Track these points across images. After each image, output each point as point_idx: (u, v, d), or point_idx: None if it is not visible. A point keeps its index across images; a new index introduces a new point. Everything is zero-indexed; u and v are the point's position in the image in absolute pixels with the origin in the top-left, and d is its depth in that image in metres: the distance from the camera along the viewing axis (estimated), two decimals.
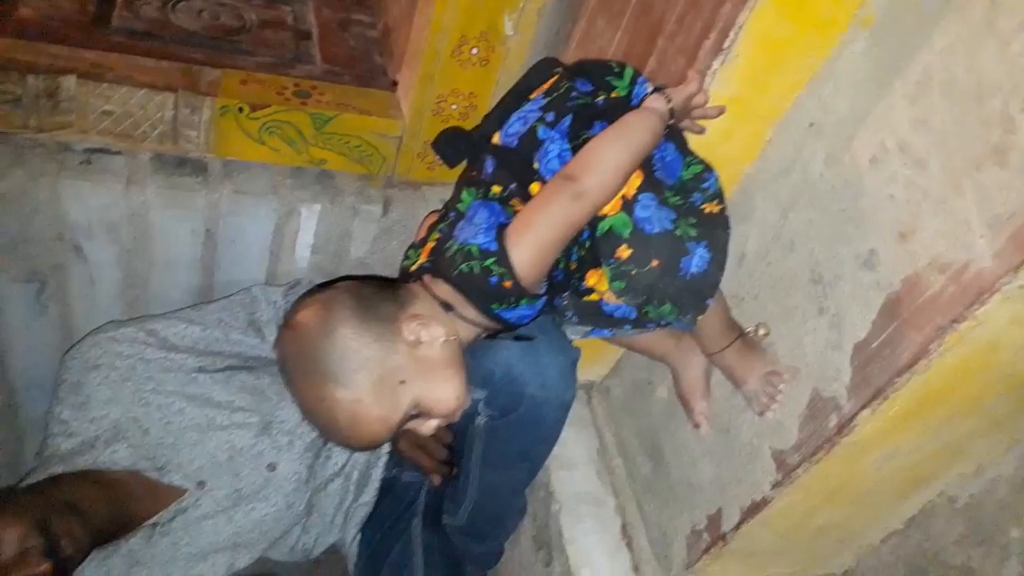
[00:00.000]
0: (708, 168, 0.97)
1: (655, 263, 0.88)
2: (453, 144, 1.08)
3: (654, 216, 0.90)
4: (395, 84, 1.34)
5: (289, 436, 1.22)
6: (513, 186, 0.93)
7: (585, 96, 0.96)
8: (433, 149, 1.11)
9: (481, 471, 1.22)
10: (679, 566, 1.19)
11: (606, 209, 0.91)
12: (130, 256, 1.32)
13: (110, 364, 1.16)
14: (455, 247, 0.90)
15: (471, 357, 0.98)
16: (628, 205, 0.90)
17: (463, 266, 0.89)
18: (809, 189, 0.99)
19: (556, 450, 1.25)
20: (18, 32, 1.21)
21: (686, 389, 1.16)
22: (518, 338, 0.98)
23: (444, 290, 0.92)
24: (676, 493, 1.21)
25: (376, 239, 1.41)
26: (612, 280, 0.90)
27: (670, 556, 1.21)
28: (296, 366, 0.92)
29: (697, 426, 1.16)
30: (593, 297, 0.94)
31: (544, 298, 0.93)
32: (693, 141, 1.02)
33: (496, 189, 0.94)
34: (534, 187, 0.93)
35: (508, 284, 0.88)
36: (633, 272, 0.89)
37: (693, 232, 0.91)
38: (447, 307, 0.92)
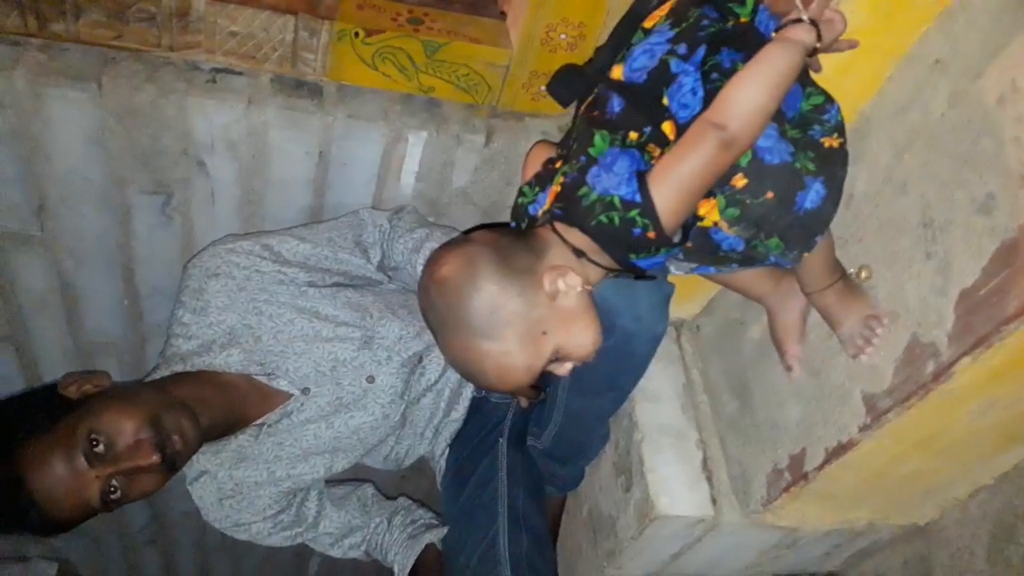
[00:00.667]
0: (829, 99, 0.93)
1: (770, 195, 0.86)
2: (567, 82, 1.06)
3: (775, 147, 0.87)
4: (503, 13, 1.34)
5: (388, 352, 1.28)
6: (648, 129, 0.90)
7: (715, 23, 0.92)
8: (547, 91, 1.09)
9: (568, 397, 1.26)
10: (757, 502, 1.21)
11: None
12: (248, 174, 1.38)
13: (228, 273, 1.24)
14: (593, 196, 0.88)
15: None
16: None
17: (602, 216, 0.87)
18: (928, 129, 0.96)
19: (642, 383, 1.28)
20: None
21: (781, 331, 1.16)
22: (639, 277, 0.97)
23: (577, 237, 0.91)
24: (760, 432, 1.22)
25: (478, 169, 1.43)
26: (726, 208, 0.88)
27: (749, 492, 1.23)
28: (444, 321, 0.94)
29: (789, 369, 1.15)
30: (705, 224, 0.91)
31: (680, 245, 0.92)
32: None
33: (633, 136, 0.91)
34: (666, 126, 0.90)
35: (652, 235, 0.86)
36: (748, 202, 0.87)
37: (811, 166, 0.89)
38: (579, 253, 0.92)
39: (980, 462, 1.13)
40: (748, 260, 0.96)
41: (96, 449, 1.03)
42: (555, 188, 0.95)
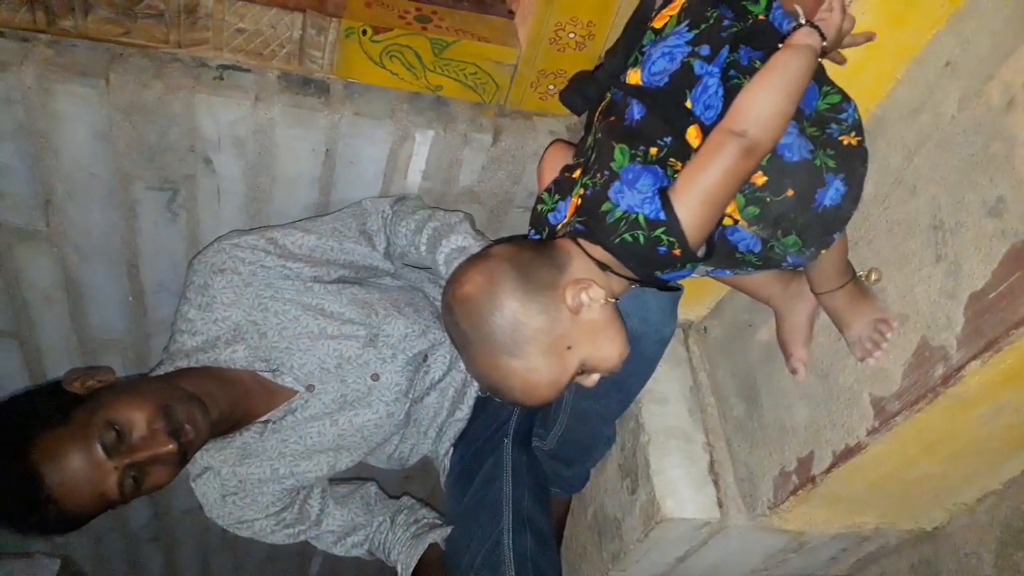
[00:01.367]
0: (846, 98, 0.93)
1: (790, 192, 0.86)
2: (580, 90, 1.05)
3: (795, 144, 0.87)
4: (512, 12, 1.34)
5: (393, 349, 1.28)
6: (669, 140, 0.89)
7: (735, 22, 0.91)
8: (560, 101, 1.07)
9: (574, 398, 1.25)
10: (764, 505, 1.20)
11: None
12: (254, 171, 1.38)
13: (234, 269, 1.24)
14: (617, 214, 0.87)
15: None
16: None
17: (627, 235, 0.86)
18: (938, 132, 0.96)
19: (649, 384, 1.28)
20: None
21: (788, 334, 1.15)
22: (662, 289, 0.96)
23: (601, 253, 0.90)
24: (768, 435, 1.22)
25: (484, 168, 1.43)
26: (746, 206, 0.87)
27: (756, 495, 1.23)
28: (468, 339, 0.92)
29: (794, 372, 1.15)
30: (724, 221, 0.90)
31: (705, 259, 0.91)
32: None
33: (653, 151, 0.89)
34: (691, 131, 0.89)
35: (678, 252, 0.85)
36: (768, 199, 0.86)
37: (832, 163, 0.88)
38: (602, 266, 0.91)
39: (988, 467, 1.12)
40: (765, 262, 0.96)
41: (113, 439, 1.03)
42: (575, 200, 0.94)
